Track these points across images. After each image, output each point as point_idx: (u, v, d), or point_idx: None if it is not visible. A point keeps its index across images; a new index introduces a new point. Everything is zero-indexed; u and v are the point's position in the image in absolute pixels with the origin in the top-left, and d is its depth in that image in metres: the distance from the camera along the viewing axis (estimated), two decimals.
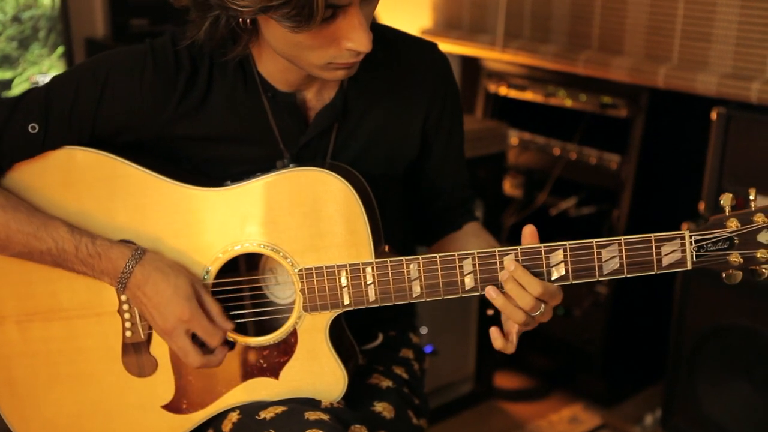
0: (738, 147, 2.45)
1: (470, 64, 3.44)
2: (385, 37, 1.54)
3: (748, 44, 2.46)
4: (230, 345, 1.45)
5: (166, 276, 1.39)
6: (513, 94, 3.23)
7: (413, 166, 1.60)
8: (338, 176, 1.38)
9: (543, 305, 1.34)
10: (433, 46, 1.58)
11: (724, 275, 1.33)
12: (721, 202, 1.31)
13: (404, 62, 1.54)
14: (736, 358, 2.50)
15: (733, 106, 2.47)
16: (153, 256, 1.41)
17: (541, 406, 3.11)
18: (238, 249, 1.43)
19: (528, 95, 3.17)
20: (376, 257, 1.39)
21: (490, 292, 1.34)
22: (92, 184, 1.45)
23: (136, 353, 1.48)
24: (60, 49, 2.32)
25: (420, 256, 1.36)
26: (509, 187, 3.26)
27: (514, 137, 3.23)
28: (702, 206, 2.54)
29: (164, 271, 1.39)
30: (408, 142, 1.56)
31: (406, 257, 1.37)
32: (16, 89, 2.27)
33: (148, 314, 1.41)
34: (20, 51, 2.26)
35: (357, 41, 1.27)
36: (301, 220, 1.40)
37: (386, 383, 1.59)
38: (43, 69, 2.30)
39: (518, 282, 1.32)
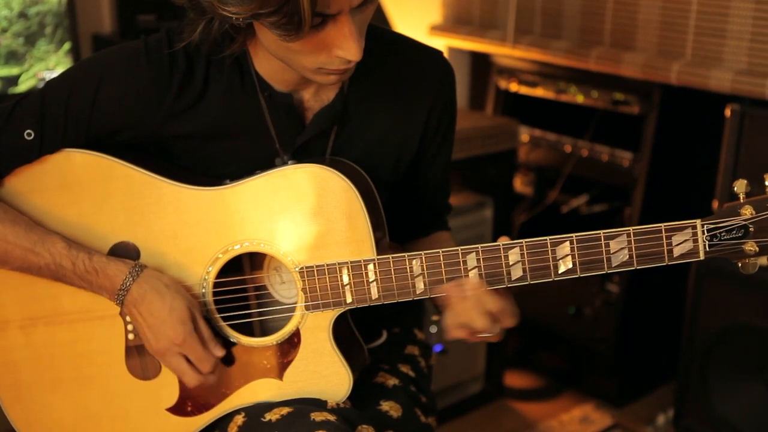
0: (752, 144, 2.43)
1: (480, 60, 3.43)
2: (389, 41, 1.53)
3: (762, 40, 2.43)
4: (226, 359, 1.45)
5: (163, 296, 1.38)
6: (524, 90, 3.21)
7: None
8: (337, 173, 1.37)
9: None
10: (439, 54, 1.57)
11: (740, 264, 1.30)
12: (735, 188, 1.28)
13: (408, 68, 1.53)
14: (749, 357, 2.48)
15: (747, 103, 2.44)
16: (151, 273, 1.40)
17: (552, 406, 3.09)
18: (238, 248, 1.41)
19: (539, 91, 3.15)
20: (379, 254, 1.37)
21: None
22: (90, 186, 1.44)
23: (139, 356, 1.47)
24: (67, 45, 2.31)
25: (422, 252, 1.35)
26: (520, 184, 3.25)
27: (524, 134, 3.21)
28: (715, 204, 2.52)
29: (161, 291, 1.39)
30: (407, 148, 1.55)
31: (408, 253, 1.35)
32: (23, 86, 2.26)
33: (142, 332, 1.41)
34: (27, 47, 2.26)
35: (346, 50, 1.26)
36: (301, 218, 1.38)
37: (392, 381, 1.58)
38: (49, 65, 2.30)
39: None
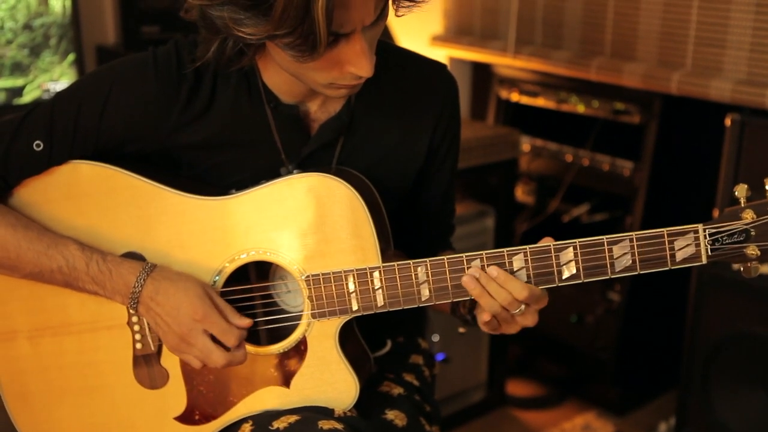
0: (752, 154, 2.43)
1: (482, 70, 3.43)
2: (394, 54, 1.54)
3: (762, 50, 2.43)
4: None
5: (175, 282, 1.39)
6: (525, 100, 3.22)
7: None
8: (342, 181, 1.38)
9: (523, 305, 1.34)
10: (443, 67, 1.58)
11: (741, 269, 1.31)
12: (736, 193, 1.29)
13: (413, 81, 1.54)
14: (751, 366, 2.48)
15: (747, 113, 2.44)
16: (162, 268, 1.41)
17: (554, 414, 3.09)
18: (245, 257, 1.42)
19: (540, 101, 3.16)
20: (384, 262, 1.38)
21: (468, 283, 1.33)
22: (97, 197, 1.45)
23: (147, 365, 1.48)
24: (71, 57, 2.32)
25: (428, 259, 1.36)
26: (521, 193, 3.25)
27: (526, 144, 3.22)
28: (716, 213, 2.52)
29: (173, 279, 1.39)
30: (413, 160, 1.56)
31: (414, 260, 1.36)
32: (28, 96, 2.27)
33: (162, 323, 1.40)
34: (31, 58, 2.27)
35: (359, 67, 1.27)
36: (306, 226, 1.39)
37: (397, 390, 1.58)
38: (54, 76, 2.30)
39: (502, 286, 1.32)
